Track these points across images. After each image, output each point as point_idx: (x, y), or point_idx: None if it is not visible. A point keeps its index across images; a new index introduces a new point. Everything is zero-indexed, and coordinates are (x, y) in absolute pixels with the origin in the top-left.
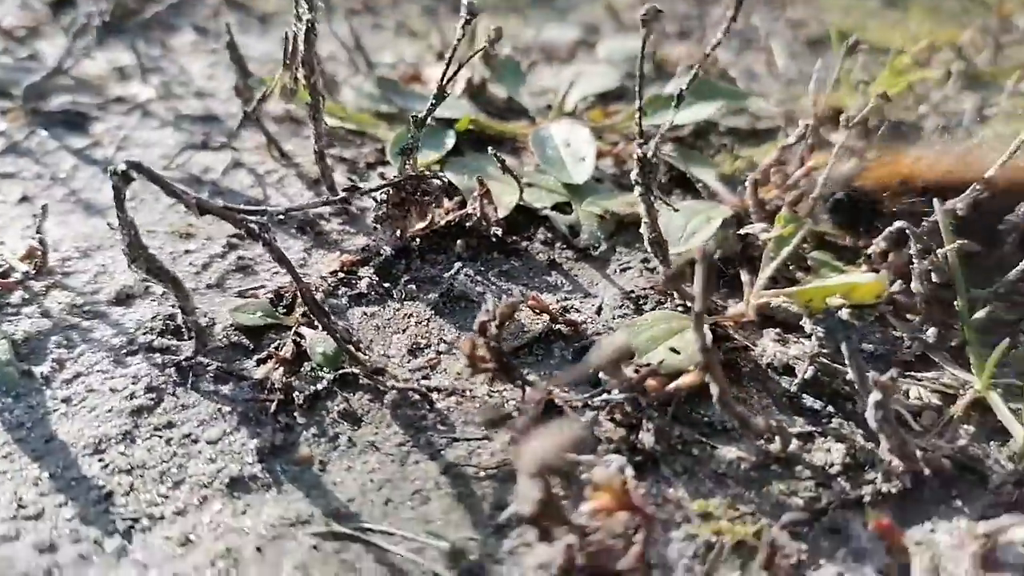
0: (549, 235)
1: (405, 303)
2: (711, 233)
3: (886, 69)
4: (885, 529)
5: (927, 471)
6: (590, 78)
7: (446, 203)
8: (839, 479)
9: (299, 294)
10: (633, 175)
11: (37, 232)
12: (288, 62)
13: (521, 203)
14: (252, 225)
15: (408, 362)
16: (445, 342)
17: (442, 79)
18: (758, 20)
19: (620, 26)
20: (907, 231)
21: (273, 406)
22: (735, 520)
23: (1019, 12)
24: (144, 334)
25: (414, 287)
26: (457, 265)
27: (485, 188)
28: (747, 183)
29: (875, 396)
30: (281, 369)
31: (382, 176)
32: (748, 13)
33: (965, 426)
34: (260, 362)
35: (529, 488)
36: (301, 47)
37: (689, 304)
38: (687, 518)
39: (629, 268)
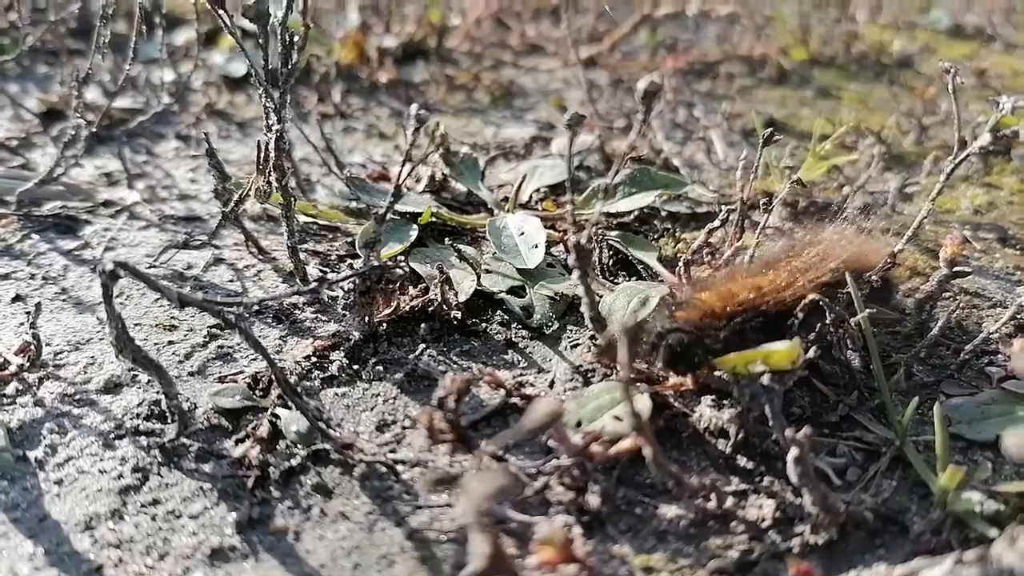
0: (506, 317)
1: (373, 383)
2: (650, 310)
3: (808, 155)
4: (805, 575)
5: (851, 523)
6: (543, 172)
7: (410, 290)
8: (770, 532)
9: (274, 378)
10: (570, 261)
11: (31, 328)
12: (261, 168)
13: (479, 288)
14: (229, 316)
15: (376, 437)
16: (410, 418)
17: (398, 179)
18: (699, 113)
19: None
20: (820, 303)
21: (251, 482)
22: (675, 572)
23: (941, 96)
24: (131, 419)
25: (381, 368)
26: (421, 347)
27: (445, 275)
28: (680, 264)
29: (793, 452)
30: (258, 447)
31: (352, 267)
32: (690, 107)
33: (888, 480)
34: (238, 442)
35: (479, 543)
36: (272, 154)
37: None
38: (631, 572)
39: (578, 344)
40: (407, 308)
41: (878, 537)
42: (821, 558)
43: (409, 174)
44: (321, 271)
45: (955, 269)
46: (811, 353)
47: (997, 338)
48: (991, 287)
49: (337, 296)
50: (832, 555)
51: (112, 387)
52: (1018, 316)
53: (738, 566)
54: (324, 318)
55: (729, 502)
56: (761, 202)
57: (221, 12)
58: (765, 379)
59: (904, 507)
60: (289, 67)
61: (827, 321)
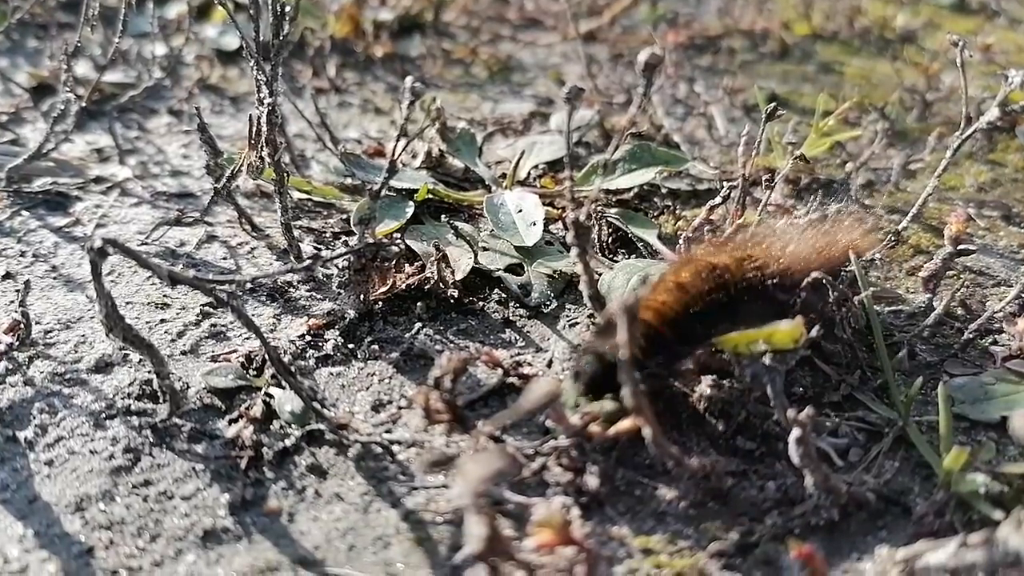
0: (503, 295)
1: (369, 362)
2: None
3: (811, 131)
4: (807, 557)
5: (853, 504)
6: (541, 148)
7: (406, 268)
8: (771, 514)
9: (268, 357)
10: (568, 238)
11: (20, 306)
12: (253, 142)
13: (477, 266)
14: (221, 294)
15: (371, 417)
16: (406, 398)
17: (392, 154)
18: (700, 88)
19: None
20: (824, 281)
21: (244, 462)
22: (674, 554)
23: (945, 72)
24: (122, 399)
25: (377, 347)
26: (417, 326)
27: (442, 253)
28: (681, 241)
29: (795, 432)
30: (251, 428)
31: (346, 245)
32: (691, 82)
33: (891, 461)
34: (231, 422)
35: (475, 525)
36: (264, 128)
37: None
38: (629, 554)
39: (577, 323)
40: (403, 286)
41: (880, 519)
42: (822, 540)
43: (404, 149)
44: (315, 248)
45: (959, 247)
46: (814, 332)
47: (1001, 317)
48: (995, 265)
49: (332, 274)
50: (834, 537)
51: (103, 366)
52: (1023, 295)
53: (738, 548)
54: (319, 296)
55: (729, 483)
56: (763, 178)
57: None
58: (767, 359)
59: (907, 488)
60: (280, 39)
61: (830, 300)
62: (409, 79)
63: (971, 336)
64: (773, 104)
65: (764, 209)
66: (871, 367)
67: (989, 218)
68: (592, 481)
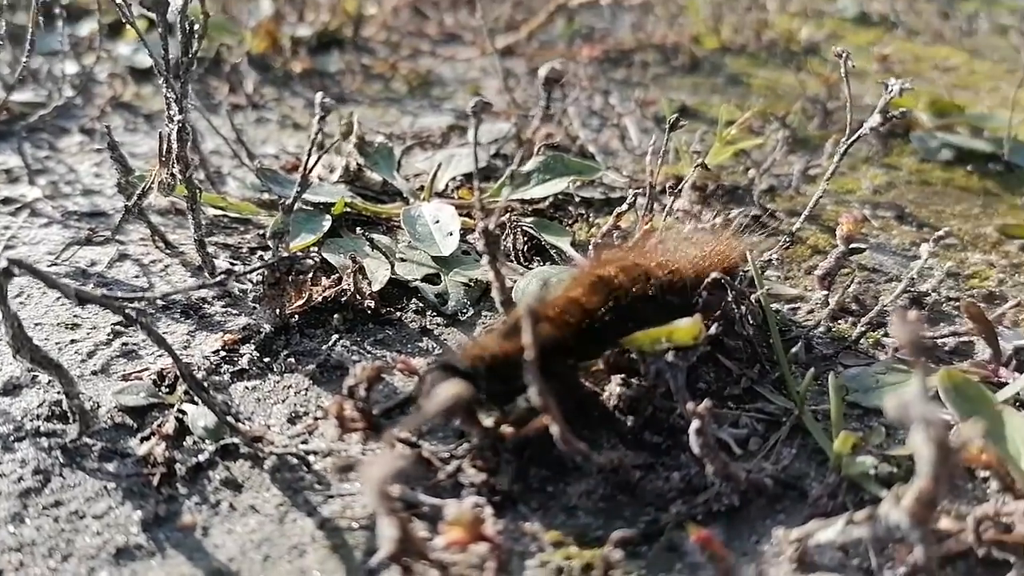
0: (420, 305)
1: (285, 375)
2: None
3: (716, 140)
4: (705, 540)
5: (753, 491)
6: (459, 160)
7: (323, 281)
8: (676, 502)
9: (179, 373)
10: (479, 246)
11: None
12: (164, 160)
13: (394, 276)
14: (130, 311)
15: (288, 429)
16: (322, 409)
17: (304, 168)
18: (615, 100)
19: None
20: (723, 281)
21: (156, 479)
22: (583, 546)
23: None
24: (31, 420)
25: (293, 360)
26: (334, 337)
27: (358, 265)
28: (591, 247)
29: (694, 424)
30: (164, 444)
31: (262, 259)
32: (606, 95)
33: (788, 448)
34: (143, 439)
35: (387, 528)
36: (175, 145)
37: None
38: (541, 548)
39: (493, 329)
40: (320, 299)
41: (778, 503)
42: (724, 524)
43: (316, 164)
44: (231, 264)
45: (851, 246)
46: (713, 329)
47: (892, 310)
48: (888, 262)
49: (248, 289)
50: (734, 521)
51: (11, 388)
52: (910, 289)
53: (643, 536)
54: (234, 312)
55: (637, 476)
56: (668, 186)
57: (120, 1)
58: (669, 356)
59: (803, 473)
60: (189, 56)
61: (728, 299)
62: (320, 95)
63: (864, 329)
64: (676, 115)
65: (670, 215)
66: (770, 361)
67: (883, 218)
68: (505, 480)
